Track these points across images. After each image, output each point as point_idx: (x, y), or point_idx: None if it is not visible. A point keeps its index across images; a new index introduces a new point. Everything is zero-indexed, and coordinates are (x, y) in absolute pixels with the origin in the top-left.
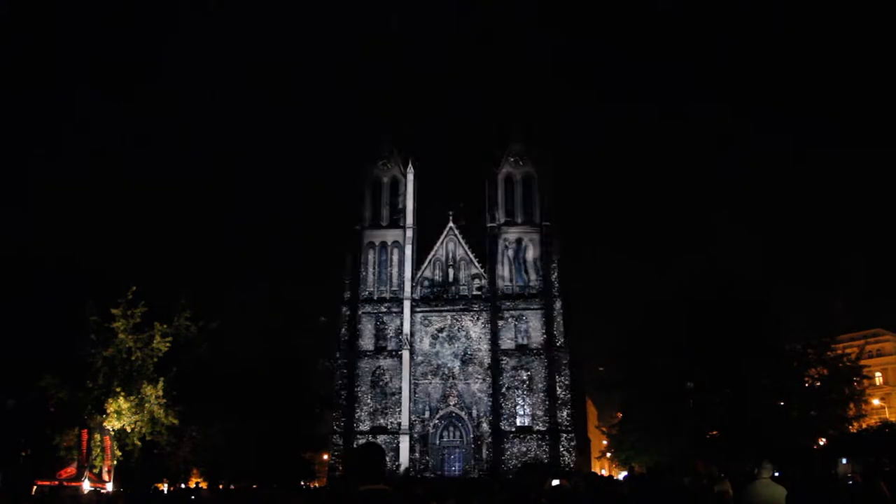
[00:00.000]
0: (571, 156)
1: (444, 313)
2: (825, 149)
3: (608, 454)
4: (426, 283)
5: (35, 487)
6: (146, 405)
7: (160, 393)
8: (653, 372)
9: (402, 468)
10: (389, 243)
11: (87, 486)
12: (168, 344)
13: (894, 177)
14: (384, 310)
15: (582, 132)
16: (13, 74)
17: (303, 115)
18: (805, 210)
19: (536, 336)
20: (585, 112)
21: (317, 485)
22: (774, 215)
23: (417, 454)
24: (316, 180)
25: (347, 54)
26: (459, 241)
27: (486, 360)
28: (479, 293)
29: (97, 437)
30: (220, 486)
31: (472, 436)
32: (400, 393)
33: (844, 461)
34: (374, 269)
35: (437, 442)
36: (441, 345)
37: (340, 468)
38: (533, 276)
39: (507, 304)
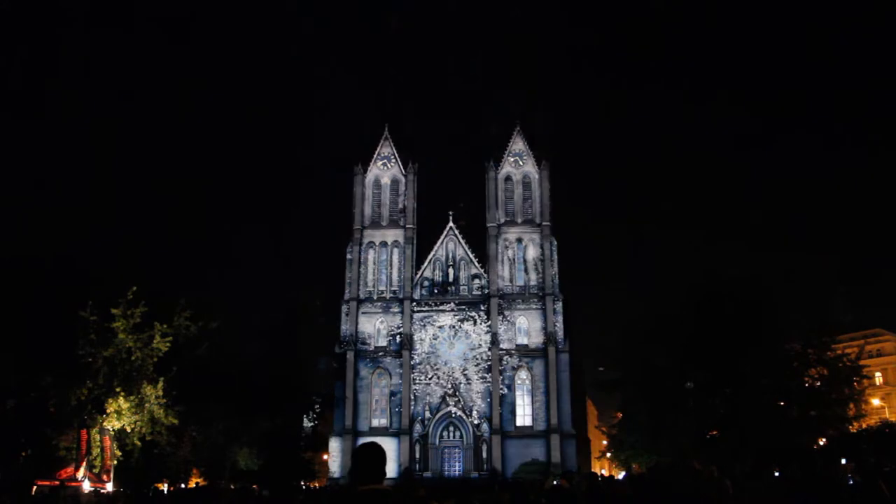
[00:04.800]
0: (572, 155)
1: (444, 313)
2: (826, 149)
3: (608, 454)
4: (426, 283)
5: (35, 487)
6: (146, 405)
7: (160, 393)
8: (653, 372)
9: (403, 468)
10: (389, 243)
11: (87, 486)
12: (168, 344)
13: (894, 175)
14: (384, 310)
15: (582, 131)
16: (9, 72)
17: (303, 115)
18: (806, 210)
19: (536, 336)
20: (586, 111)
21: (317, 485)
22: (775, 215)
23: (417, 454)
24: (316, 180)
25: (347, 54)
26: (459, 241)
27: (486, 360)
28: (479, 293)
29: (97, 437)
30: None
31: (471, 436)
32: (400, 393)
33: (844, 461)
34: (374, 269)
35: (437, 442)
36: (441, 345)
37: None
38: (533, 276)
39: (507, 304)
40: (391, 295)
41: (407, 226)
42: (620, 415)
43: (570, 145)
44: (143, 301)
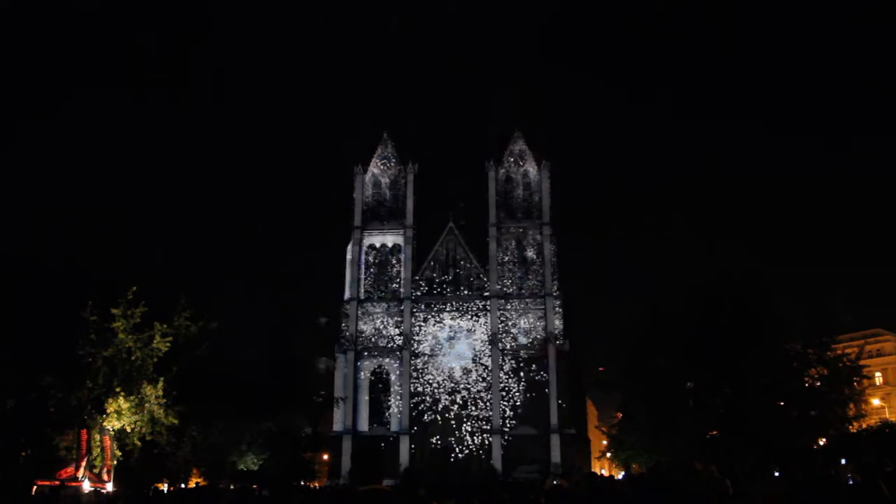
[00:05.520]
0: (572, 155)
1: (444, 313)
2: (826, 149)
3: (608, 454)
4: (426, 282)
5: (35, 487)
6: (146, 405)
7: (160, 393)
8: (653, 372)
9: (403, 468)
10: (389, 243)
11: (87, 486)
12: (168, 344)
13: (894, 175)
14: (384, 310)
15: (582, 131)
16: (9, 72)
17: (302, 115)
18: (806, 209)
19: (537, 336)
20: (586, 111)
21: (317, 485)
22: (775, 214)
23: (417, 454)
24: (316, 180)
25: (347, 54)
26: (459, 241)
27: (486, 360)
28: (479, 293)
29: (97, 437)
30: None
31: (471, 436)
32: (400, 393)
33: (844, 461)
34: (374, 268)
35: (438, 442)
36: (441, 344)
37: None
38: (533, 276)
39: (507, 303)
40: (391, 295)
41: (407, 226)
42: (620, 415)
43: (570, 145)
44: (143, 301)
